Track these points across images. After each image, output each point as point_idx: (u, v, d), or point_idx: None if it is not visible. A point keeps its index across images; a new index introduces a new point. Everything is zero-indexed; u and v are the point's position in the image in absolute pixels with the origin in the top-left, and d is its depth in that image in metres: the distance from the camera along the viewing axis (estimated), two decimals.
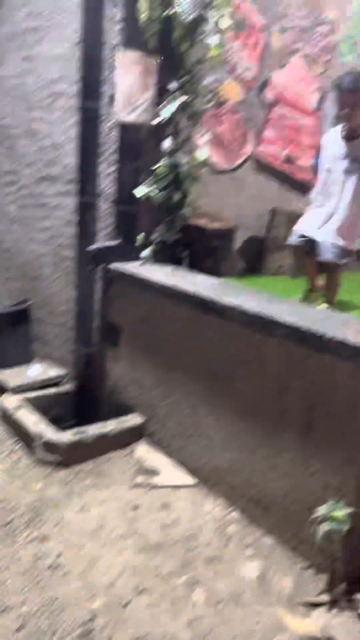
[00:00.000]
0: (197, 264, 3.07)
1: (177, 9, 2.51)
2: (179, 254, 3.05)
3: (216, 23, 2.63)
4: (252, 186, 3.65)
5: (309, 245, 2.47)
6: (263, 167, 3.66)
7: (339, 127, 2.39)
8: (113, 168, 2.79)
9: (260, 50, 3.41)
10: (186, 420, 2.42)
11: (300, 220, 2.50)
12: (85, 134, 2.80)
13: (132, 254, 2.87)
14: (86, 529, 2.08)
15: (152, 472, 2.44)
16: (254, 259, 3.68)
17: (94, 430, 2.55)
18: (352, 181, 2.30)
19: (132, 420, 2.67)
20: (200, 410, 2.34)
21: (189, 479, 2.40)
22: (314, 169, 2.49)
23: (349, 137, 2.31)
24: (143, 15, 2.56)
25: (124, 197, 2.82)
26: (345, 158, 2.31)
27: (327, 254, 2.48)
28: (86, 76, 2.73)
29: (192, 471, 2.41)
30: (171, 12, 2.54)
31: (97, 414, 2.99)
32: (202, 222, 3.09)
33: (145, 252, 2.89)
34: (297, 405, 1.91)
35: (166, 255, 2.95)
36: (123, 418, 2.68)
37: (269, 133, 3.62)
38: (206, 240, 3.04)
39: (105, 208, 2.84)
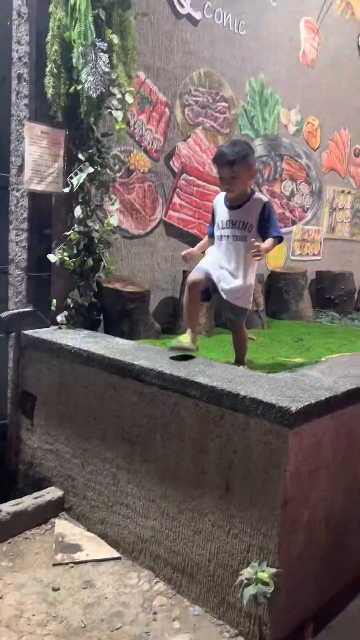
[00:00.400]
0: (113, 328, 3.08)
1: (82, 85, 2.62)
2: (94, 317, 3.06)
3: (121, 99, 2.78)
4: (164, 249, 3.77)
5: (208, 285, 2.48)
6: (173, 230, 3.80)
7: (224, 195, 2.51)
8: (24, 235, 2.78)
9: (165, 123, 3.61)
10: (106, 490, 2.35)
11: (204, 260, 2.55)
12: None
13: (46, 320, 2.83)
14: (1, 618, 1.93)
15: (73, 548, 2.32)
16: (169, 320, 3.74)
17: (8, 508, 2.40)
18: (239, 246, 2.41)
19: (51, 494, 2.55)
20: (120, 479, 2.28)
21: (112, 552, 2.31)
22: (210, 235, 2.60)
23: (232, 207, 2.43)
24: (50, 91, 2.65)
25: (36, 264, 2.81)
26: (231, 226, 2.43)
27: (228, 313, 2.55)
28: None
29: (115, 543, 2.32)
30: (77, 88, 2.65)
31: (13, 490, 2.84)
32: (116, 285, 3.12)
33: (60, 317, 2.87)
34: (214, 466, 1.91)
35: (81, 319, 2.94)
36: (41, 492, 2.56)
37: (177, 199, 3.78)
38: (121, 303, 3.07)
39: (16, 275, 2.81)
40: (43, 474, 2.69)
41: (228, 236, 2.45)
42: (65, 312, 2.88)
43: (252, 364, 2.73)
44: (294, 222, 4.93)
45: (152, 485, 2.14)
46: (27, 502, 2.47)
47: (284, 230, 4.81)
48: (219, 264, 2.48)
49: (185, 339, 2.33)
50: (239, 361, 2.62)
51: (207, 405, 1.92)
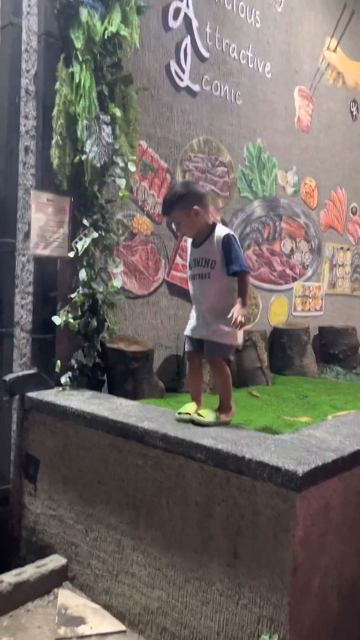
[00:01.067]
0: (117, 387, 3.08)
1: (86, 155, 2.74)
2: (98, 378, 3.07)
3: (124, 167, 2.90)
4: (167, 308, 3.82)
5: (196, 348, 2.36)
6: (176, 290, 3.86)
7: None
8: (29, 299, 2.83)
9: (166, 188, 3.74)
10: (111, 558, 2.28)
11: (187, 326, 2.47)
12: (2, 267, 2.87)
13: (50, 382, 2.84)
14: None
15: (77, 621, 2.23)
16: (174, 378, 3.74)
17: (10, 578, 2.33)
18: (204, 284, 2.30)
19: (54, 562, 2.48)
20: (125, 546, 2.22)
21: (117, 625, 2.21)
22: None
23: (196, 245, 2.35)
24: (55, 162, 2.77)
25: (40, 326, 2.84)
26: (195, 265, 2.33)
27: (205, 352, 2.36)
28: (2, 214, 2.85)
29: (120, 615, 2.24)
30: (82, 158, 2.77)
31: (15, 558, 2.76)
32: (120, 345, 3.15)
33: (64, 379, 2.88)
34: (221, 532, 1.87)
35: (85, 380, 2.95)
36: (43, 561, 2.49)
37: (179, 259, 3.87)
38: (125, 362, 3.08)
39: (21, 337, 2.84)
40: (46, 540, 2.62)
41: (195, 275, 2.32)
42: (70, 373, 2.89)
43: (258, 423, 2.71)
44: (294, 279, 5.01)
45: (158, 553, 2.09)
46: (30, 571, 2.39)
47: (284, 287, 4.89)
48: (194, 309, 2.38)
49: (189, 409, 2.28)
50: (223, 407, 2.30)
51: (212, 468, 1.89)
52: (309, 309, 5.23)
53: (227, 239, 2.24)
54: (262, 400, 3.37)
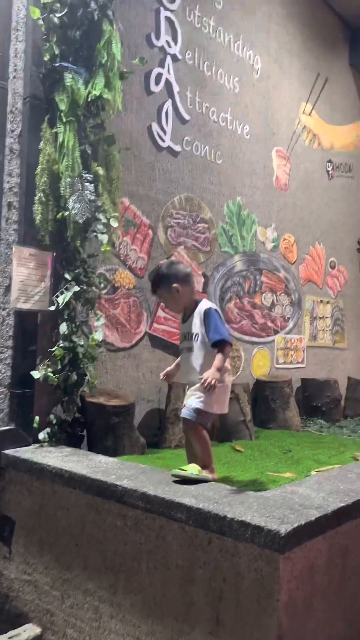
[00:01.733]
0: (97, 443, 3.02)
1: (69, 212, 2.79)
2: (78, 433, 3.00)
3: (106, 223, 2.94)
4: (149, 360, 3.80)
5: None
6: (158, 342, 3.85)
7: None
8: (8, 353, 2.80)
9: (148, 243, 3.80)
10: (88, 627, 2.16)
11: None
12: None
13: (28, 438, 2.77)
14: None
15: None
16: (155, 432, 3.68)
17: None
18: (189, 357, 2.40)
19: (28, 632, 2.34)
20: (103, 613, 2.11)
21: None
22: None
23: (183, 320, 2.49)
24: (38, 218, 2.81)
25: (19, 381, 2.80)
26: (183, 339, 2.47)
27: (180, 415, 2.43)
28: None
29: None
30: (64, 215, 2.81)
31: None
32: (100, 399, 3.10)
33: (42, 435, 2.81)
34: (203, 598, 1.79)
35: (64, 436, 2.88)
36: (16, 631, 2.34)
37: (161, 312, 3.88)
38: (105, 417, 3.03)
39: None
40: (20, 608, 2.48)
41: (183, 349, 2.45)
42: (48, 429, 2.83)
43: (241, 480, 2.65)
44: (276, 332, 5.05)
45: (137, 620, 1.98)
46: None
47: (266, 339, 4.91)
48: (185, 381, 2.48)
49: (193, 469, 2.22)
50: (203, 465, 2.29)
51: (193, 529, 1.83)
52: (291, 361, 5.25)
53: (207, 312, 2.39)
54: (245, 455, 3.32)
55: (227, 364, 2.39)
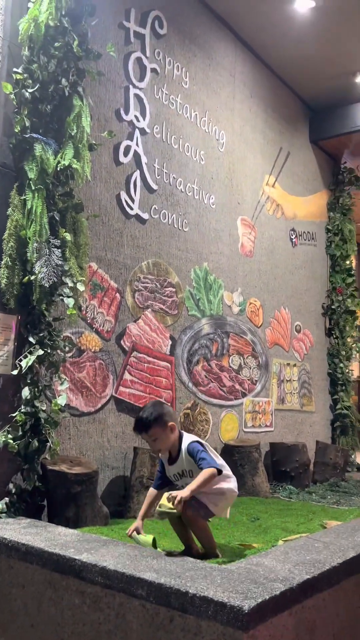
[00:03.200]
0: (57, 514, 2.90)
1: (35, 276, 2.80)
2: (38, 503, 2.88)
3: (72, 287, 2.96)
4: (115, 425, 3.73)
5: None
6: (124, 406, 3.80)
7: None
8: None
9: (116, 307, 3.82)
10: None
11: None
12: None
13: None
14: None
15: None
16: (120, 502, 3.56)
17: None
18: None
19: None
20: None
21: None
22: (155, 487, 2.64)
23: (171, 461, 2.56)
24: (4, 281, 2.81)
25: None
26: (179, 478, 2.55)
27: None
28: None
29: None
30: (31, 279, 2.82)
31: None
32: (62, 467, 3.00)
33: (0, 505, 2.69)
34: None
35: (23, 506, 2.77)
36: None
37: (128, 375, 3.86)
38: (67, 486, 2.92)
39: None
40: None
41: (182, 487, 2.44)
42: (7, 499, 2.72)
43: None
44: (244, 394, 5.04)
45: None
46: None
47: (234, 402, 4.90)
48: None
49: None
50: (207, 553, 2.48)
51: (155, 606, 1.75)
52: (260, 425, 5.22)
53: (191, 448, 2.48)
54: (212, 525, 3.20)
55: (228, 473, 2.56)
